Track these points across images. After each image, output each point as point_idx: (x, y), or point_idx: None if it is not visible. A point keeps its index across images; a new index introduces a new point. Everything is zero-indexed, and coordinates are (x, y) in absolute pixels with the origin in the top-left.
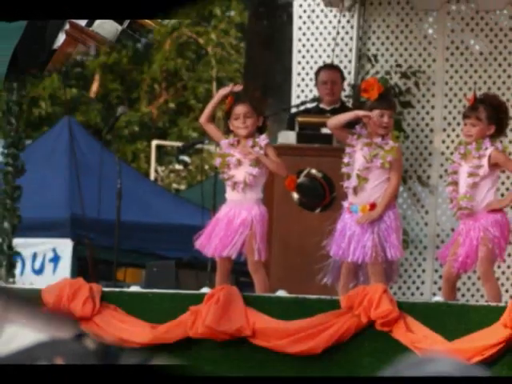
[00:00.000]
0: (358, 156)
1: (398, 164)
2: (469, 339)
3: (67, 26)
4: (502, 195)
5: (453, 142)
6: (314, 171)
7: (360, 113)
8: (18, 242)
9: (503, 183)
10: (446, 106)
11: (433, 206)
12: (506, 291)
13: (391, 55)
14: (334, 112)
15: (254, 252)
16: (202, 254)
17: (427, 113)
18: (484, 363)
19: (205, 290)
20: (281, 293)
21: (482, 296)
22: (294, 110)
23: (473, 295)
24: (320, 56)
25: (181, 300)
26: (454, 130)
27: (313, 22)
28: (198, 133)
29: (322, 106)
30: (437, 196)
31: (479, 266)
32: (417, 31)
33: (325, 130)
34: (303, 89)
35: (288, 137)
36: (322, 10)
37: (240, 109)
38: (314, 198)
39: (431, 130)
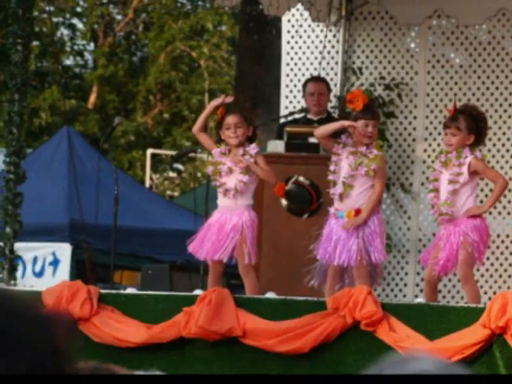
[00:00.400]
0: (343, 164)
1: (382, 172)
2: (449, 339)
3: None
4: (481, 202)
5: (434, 150)
6: (301, 178)
7: (345, 123)
8: (19, 246)
9: (482, 190)
10: (427, 117)
11: (415, 211)
12: (485, 293)
13: (375, 68)
14: (321, 122)
15: (244, 255)
16: (195, 257)
17: (409, 123)
18: (464, 362)
19: (197, 291)
20: (270, 294)
21: (461, 298)
22: (282, 121)
23: (453, 297)
24: (307, 69)
25: (174, 301)
26: (435, 139)
27: (300, 37)
28: (191, 142)
29: (309, 116)
30: (419, 202)
31: (459, 269)
32: (400, 45)
33: (312, 140)
34: (291, 100)
35: (277, 146)
36: (309, 25)
37: (231, 119)
38: (302, 204)
39: (413, 140)
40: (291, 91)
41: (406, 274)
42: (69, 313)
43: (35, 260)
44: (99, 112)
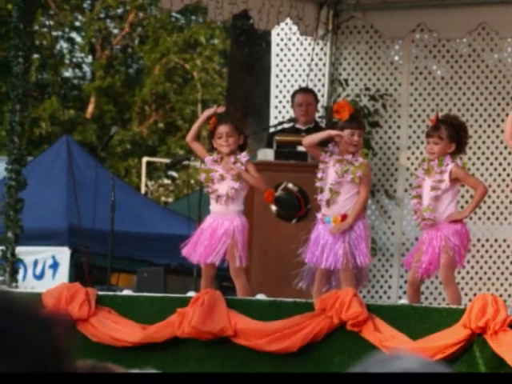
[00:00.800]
0: (330, 171)
1: (367, 179)
2: (431, 339)
3: None
4: (462, 207)
5: (417, 158)
6: (290, 185)
7: (332, 132)
8: (20, 250)
9: (463, 196)
10: (410, 126)
11: (399, 217)
12: (466, 295)
13: (361, 79)
14: (309, 131)
15: (235, 259)
16: (188, 260)
17: (394, 132)
18: (445, 360)
19: (191, 293)
20: (260, 296)
21: (443, 299)
22: (272, 130)
23: (435, 298)
24: (296, 80)
25: (169, 303)
26: (418, 147)
27: (289, 50)
28: (185, 150)
29: (297, 126)
30: (402, 208)
31: (441, 271)
32: (384, 58)
33: (300, 148)
34: (280, 110)
35: (267, 154)
36: (297, 39)
37: (223, 128)
38: (291, 209)
39: (397, 148)
40: (280, 102)
41: (390, 276)
42: (68, 314)
43: (36, 263)
44: (97, 122)
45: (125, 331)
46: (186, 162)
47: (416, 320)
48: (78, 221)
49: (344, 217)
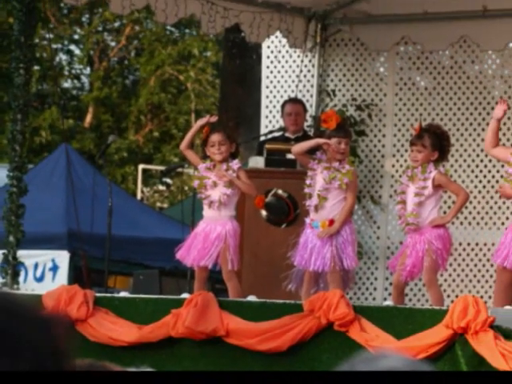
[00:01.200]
0: (318, 178)
1: (354, 185)
2: (415, 338)
3: None
4: (445, 212)
5: (401, 166)
6: (280, 191)
7: (320, 140)
8: (21, 254)
9: (445, 202)
10: (395, 135)
11: (384, 221)
12: (448, 296)
13: (347, 90)
14: (298, 140)
15: (227, 262)
16: (182, 263)
17: (379, 141)
18: (428, 359)
19: (185, 295)
20: (251, 298)
21: (426, 300)
22: (262, 138)
23: (419, 300)
24: (285, 91)
25: (164, 304)
26: (402, 155)
27: (279, 62)
28: (179, 158)
29: (287, 134)
30: (387, 213)
31: (424, 274)
32: (370, 69)
33: (289, 156)
34: (271, 120)
35: (257, 161)
36: (287, 51)
37: (215, 137)
38: (280, 215)
39: (382, 156)
40: (271, 111)
41: (376, 278)
42: (67, 314)
43: (36, 266)
44: (95, 131)
45: (121, 331)
46: (180, 170)
47: (400, 320)
48: (77, 225)
49: (331, 222)
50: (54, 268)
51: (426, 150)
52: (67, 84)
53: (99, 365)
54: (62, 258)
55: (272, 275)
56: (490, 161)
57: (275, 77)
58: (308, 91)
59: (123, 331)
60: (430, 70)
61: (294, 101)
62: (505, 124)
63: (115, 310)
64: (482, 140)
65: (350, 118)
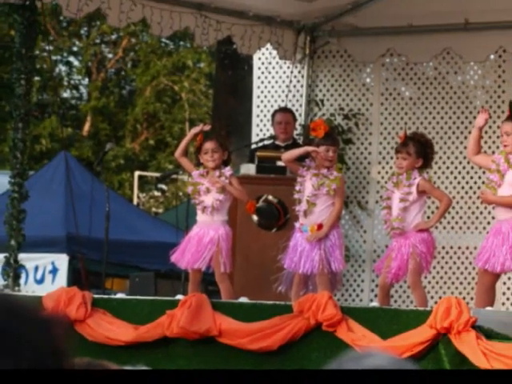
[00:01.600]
0: (307, 184)
1: (341, 191)
2: (400, 338)
3: None
4: (428, 217)
5: (387, 172)
6: (270, 197)
7: (309, 148)
8: (22, 257)
9: (429, 207)
10: (381, 143)
11: (370, 226)
12: (432, 298)
13: (335, 100)
14: (287, 148)
15: (220, 265)
16: (177, 266)
17: (365, 148)
18: (413, 358)
19: (179, 296)
20: (243, 299)
21: (411, 302)
22: (253, 146)
23: (403, 301)
24: (276, 101)
25: (159, 305)
26: (387, 162)
27: (269, 72)
28: (174, 165)
29: (277, 142)
30: (373, 218)
31: (409, 276)
32: (357, 80)
33: (280, 163)
34: (261, 128)
35: (249, 168)
36: (277, 62)
37: (208, 145)
38: (271, 219)
39: (369, 163)
40: (261, 120)
41: (362, 281)
42: (66, 315)
43: (36, 269)
44: (93, 139)
45: (118, 331)
46: (174, 176)
47: (386, 321)
48: (76, 230)
49: (320, 226)
50: (54, 270)
51: (411, 158)
52: (66, 94)
53: (97, 363)
54: (62, 260)
55: (263, 277)
56: (472, 168)
57: (266, 87)
58: (297, 101)
59: (120, 331)
60: (414, 80)
61: (284, 110)
62: (486, 132)
63: (112, 310)
64: (465, 148)
65: (338, 127)
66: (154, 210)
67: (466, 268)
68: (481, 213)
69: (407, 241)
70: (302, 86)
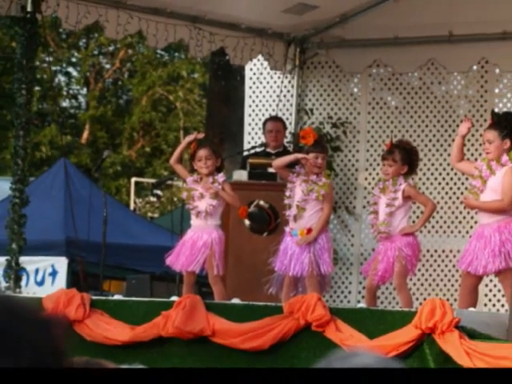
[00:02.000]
0: (297, 190)
1: (330, 197)
2: (386, 338)
3: None
4: (414, 222)
5: (373, 179)
6: (262, 202)
7: (299, 155)
8: (23, 260)
9: (414, 212)
10: (368, 150)
11: (357, 230)
12: (417, 299)
13: (324, 109)
14: (278, 155)
15: (213, 268)
16: (172, 269)
17: (353, 155)
18: (399, 357)
19: (174, 298)
20: (235, 300)
21: (397, 303)
22: (245, 153)
23: (390, 302)
24: (267, 110)
25: (154, 306)
26: (374, 169)
27: (261, 83)
28: (169, 172)
29: (268, 150)
30: (361, 222)
31: (395, 278)
32: (344, 90)
33: (271, 170)
34: (253, 136)
35: (241, 175)
36: (268, 73)
37: (202, 152)
38: (262, 224)
39: (356, 170)
40: (253, 129)
41: (350, 283)
42: (65, 316)
43: (37, 271)
44: (91, 146)
45: (116, 331)
46: (169, 182)
47: (373, 321)
48: (75, 234)
49: (309, 230)
50: (54, 273)
51: (397, 164)
52: (65, 103)
53: (95, 362)
54: (61, 263)
55: (254, 280)
56: (456, 174)
57: (257, 96)
58: (288, 110)
59: (117, 331)
60: (400, 90)
61: (275, 119)
62: (469, 140)
63: (110, 311)
64: (448, 155)
65: (327, 135)
66: (149, 214)
67: (449, 270)
68: (464, 217)
69: (393, 244)
70: (292, 95)
